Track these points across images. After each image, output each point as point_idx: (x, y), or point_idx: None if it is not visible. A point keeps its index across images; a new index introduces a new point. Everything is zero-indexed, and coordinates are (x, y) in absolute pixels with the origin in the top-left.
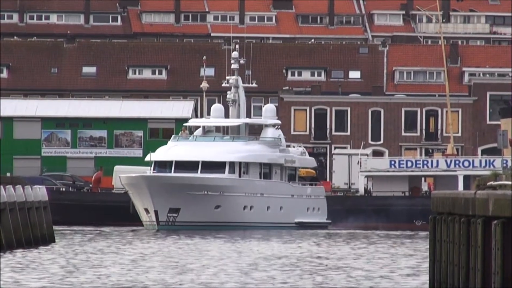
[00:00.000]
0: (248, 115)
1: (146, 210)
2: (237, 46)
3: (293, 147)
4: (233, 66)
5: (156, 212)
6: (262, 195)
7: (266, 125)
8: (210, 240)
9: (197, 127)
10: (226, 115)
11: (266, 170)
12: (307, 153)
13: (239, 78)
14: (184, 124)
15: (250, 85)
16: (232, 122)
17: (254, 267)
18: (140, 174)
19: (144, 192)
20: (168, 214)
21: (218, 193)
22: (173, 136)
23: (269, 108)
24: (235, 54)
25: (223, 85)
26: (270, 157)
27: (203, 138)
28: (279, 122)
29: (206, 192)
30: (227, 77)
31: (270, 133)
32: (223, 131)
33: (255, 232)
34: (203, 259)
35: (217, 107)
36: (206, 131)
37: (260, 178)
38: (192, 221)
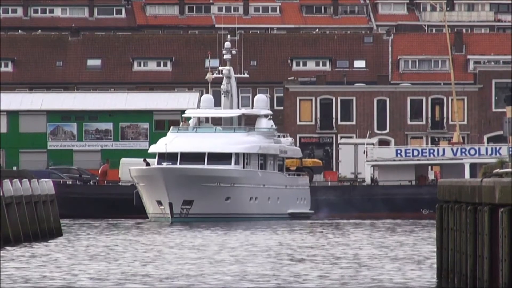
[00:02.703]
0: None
1: (159, 203)
2: (229, 37)
3: (283, 137)
4: (225, 56)
5: (170, 205)
6: (264, 186)
7: (259, 116)
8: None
9: (197, 118)
10: (218, 106)
11: (262, 160)
12: (293, 144)
13: (231, 69)
14: (183, 115)
15: (242, 75)
16: (230, 113)
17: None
18: (155, 166)
19: (159, 184)
20: (182, 206)
21: (229, 185)
22: (172, 127)
23: (260, 99)
24: (227, 44)
25: (215, 75)
26: (268, 147)
27: (204, 129)
28: (271, 112)
29: (218, 184)
30: (219, 68)
31: (264, 124)
32: (214, 122)
33: (277, 223)
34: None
35: (207, 98)
36: (200, 121)
37: (259, 168)
38: (204, 213)
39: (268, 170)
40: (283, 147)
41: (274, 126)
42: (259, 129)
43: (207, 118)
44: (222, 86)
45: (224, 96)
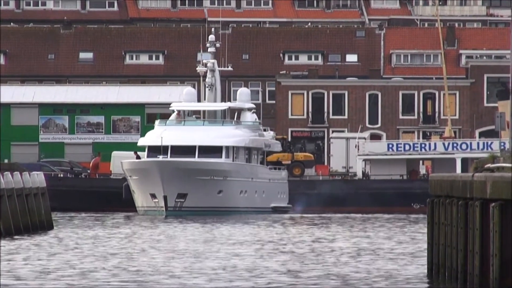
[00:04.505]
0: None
1: (153, 196)
2: (213, 30)
3: (265, 131)
4: (209, 49)
5: (165, 198)
6: (252, 179)
7: (243, 109)
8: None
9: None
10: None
11: (247, 154)
12: (274, 138)
13: (215, 62)
14: (172, 108)
15: (226, 68)
16: (216, 106)
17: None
18: (150, 159)
19: (154, 177)
20: (176, 200)
21: (221, 178)
22: (159, 120)
23: (243, 92)
24: (211, 37)
25: (198, 68)
26: (255, 141)
27: (193, 123)
28: (254, 106)
29: (212, 177)
30: (204, 61)
31: (248, 117)
32: (196, 115)
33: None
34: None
35: (189, 91)
36: (185, 115)
37: (245, 162)
38: (197, 206)
39: (253, 164)
40: (267, 140)
41: (257, 120)
42: (245, 123)
43: (190, 112)
44: (206, 79)
45: (209, 90)
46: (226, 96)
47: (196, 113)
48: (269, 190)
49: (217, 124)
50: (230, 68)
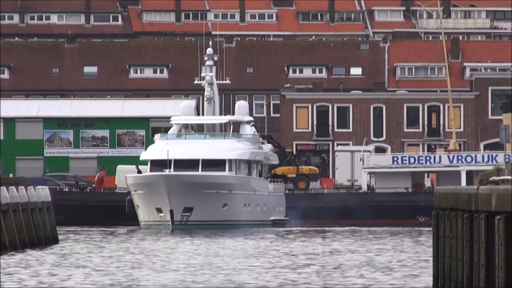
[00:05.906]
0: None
1: (158, 210)
2: (210, 43)
3: (262, 144)
4: (207, 63)
5: (171, 212)
6: (254, 192)
7: (242, 123)
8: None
9: (190, 125)
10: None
11: (247, 167)
12: (272, 151)
13: (213, 75)
14: (172, 122)
15: (224, 81)
16: (217, 119)
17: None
18: (156, 173)
19: (160, 191)
20: (182, 214)
21: (226, 191)
22: (160, 134)
23: (242, 105)
24: (209, 50)
25: (195, 82)
26: (256, 154)
27: (194, 136)
28: (252, 118)
29: (217, 191)
30: (202, 74)
31: (248, 130)
32: (197, 129)
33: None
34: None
35: (187, 105)
36: (180, 129)
37: (246, 175)
38: (203, 220)
39: (254, 177)
40: (266, 153)
41: (256, 133)
42: (245, 136)
43: (195, 125)
44: (205, 93)
45: (208, 103)
46: (230, 109)
47: (200, 127)
48: (270, 203)
49: (219, 137)
50: (228, 81)
